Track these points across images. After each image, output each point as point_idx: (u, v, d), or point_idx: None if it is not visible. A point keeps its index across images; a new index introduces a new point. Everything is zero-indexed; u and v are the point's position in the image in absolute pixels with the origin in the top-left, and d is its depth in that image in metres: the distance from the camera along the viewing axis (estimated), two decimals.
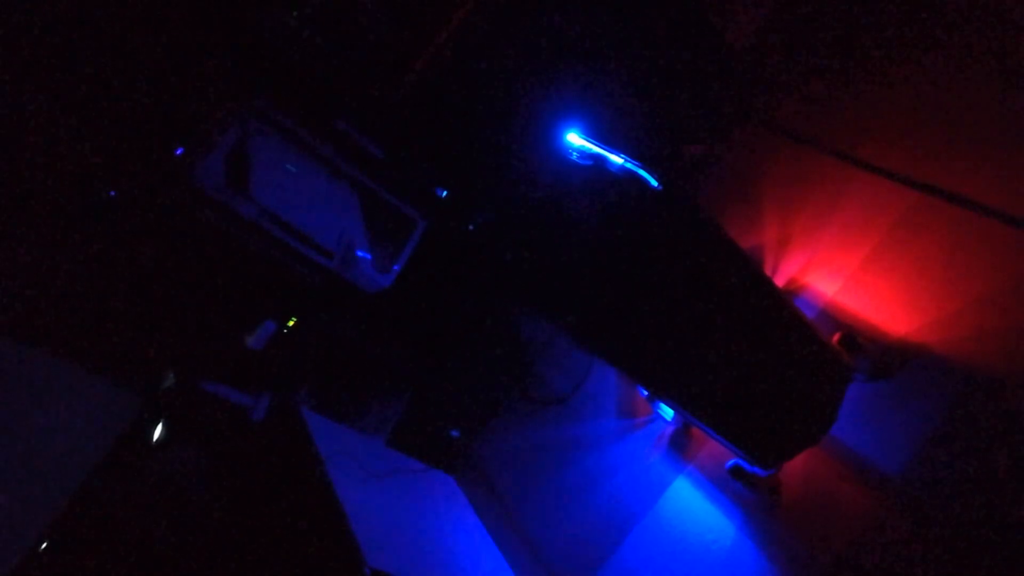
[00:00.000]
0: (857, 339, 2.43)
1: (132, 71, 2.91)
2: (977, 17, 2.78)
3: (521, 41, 2.87)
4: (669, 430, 2.86)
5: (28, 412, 3.06)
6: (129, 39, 2.88)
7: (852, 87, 3.07)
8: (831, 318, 2.58)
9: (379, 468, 2.98)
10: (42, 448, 3.08)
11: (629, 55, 3.21)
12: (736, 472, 2.49)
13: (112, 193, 2.98)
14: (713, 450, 2.67)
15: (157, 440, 3.26)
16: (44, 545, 3.00)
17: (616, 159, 1.71)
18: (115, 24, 2.85)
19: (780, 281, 2.78)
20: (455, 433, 3.54)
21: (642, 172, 1.71)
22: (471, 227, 1.82)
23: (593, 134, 1.71)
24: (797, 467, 2.39)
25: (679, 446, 2.79)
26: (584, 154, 1.71)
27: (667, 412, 2.82)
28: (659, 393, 2.53)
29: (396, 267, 3.37)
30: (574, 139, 1.71)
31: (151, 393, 3.27)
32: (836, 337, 2.46)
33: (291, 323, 3.41)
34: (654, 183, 1.72)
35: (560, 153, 1.72)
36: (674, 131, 3.41)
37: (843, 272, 2.63)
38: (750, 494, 2.47)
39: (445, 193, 2.23)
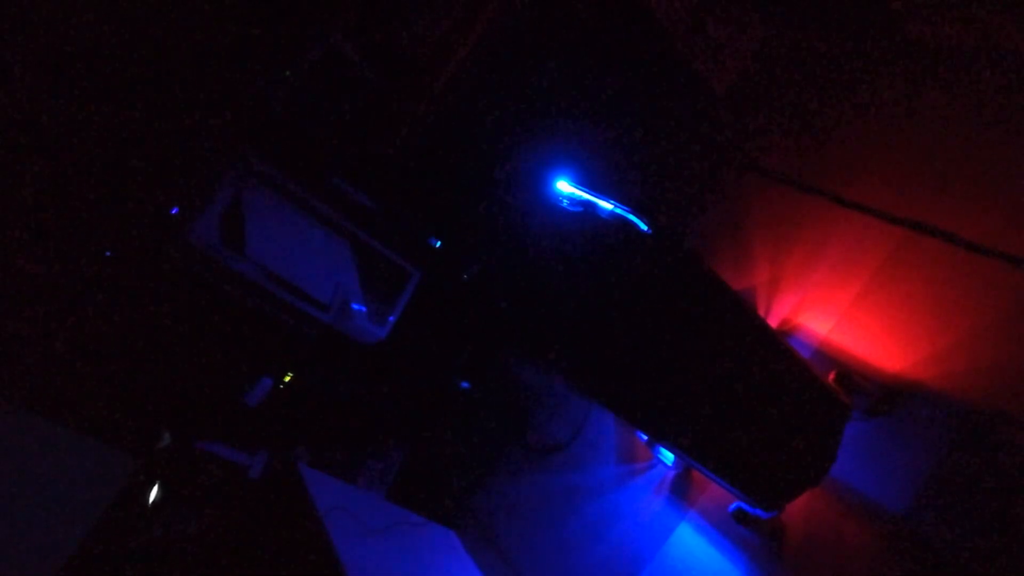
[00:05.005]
0: (852, 377, 2.43)
1: (126, 131, 2.96)
2: (959, 58, 2.85)
3: (510, 93, 2.94)
4: (670, 475, 2.84)
5: (23, 476, 3.03)
6: (123, 99, 2.93)
7: (837, 129, 3.13)
8: (826, 357, 2.59)
9: (379, 523, 2.94)
10: (38, 512, 3.04)
11: (616, 104, 3.28)
12: (739, 516, 2.47)
13: (108, 253, 3.00)
14: (715, 494, 2.65)
15: (153, 501, 3.22)
16: None
17: (606, 205, 1.73)
18: (109, 84, 2.90)
19: (773, 322, 2.80)
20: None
21: (632, 217, 1.73)
22: (465, 276, 1.83)
23: (582, 181, 1.74)
24: (799, 508, 2.37)
25: (681, 491, 2.77)
26: (574, 201, 1.74)
27: (667, 457, 2.80)
28: (658, 437, 2.52)
29: (392, 318, 3.38)
30: (564, 186, 1.74)
31: (147, 454, 3.24)
32: (831, 376, 2.46)
33: (287, 378, 3.40)
34: (644, 227, 1.75)
35: (551, 201, 1.75)
36: (662, 176, 3.46)
37: (835, 311, 2.65)
38: (754, 537, 2.44)
39: (439, 244, 2.26)
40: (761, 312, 2.86)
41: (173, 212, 2.93)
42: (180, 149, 3.02)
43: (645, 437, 2.83)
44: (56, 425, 3.08)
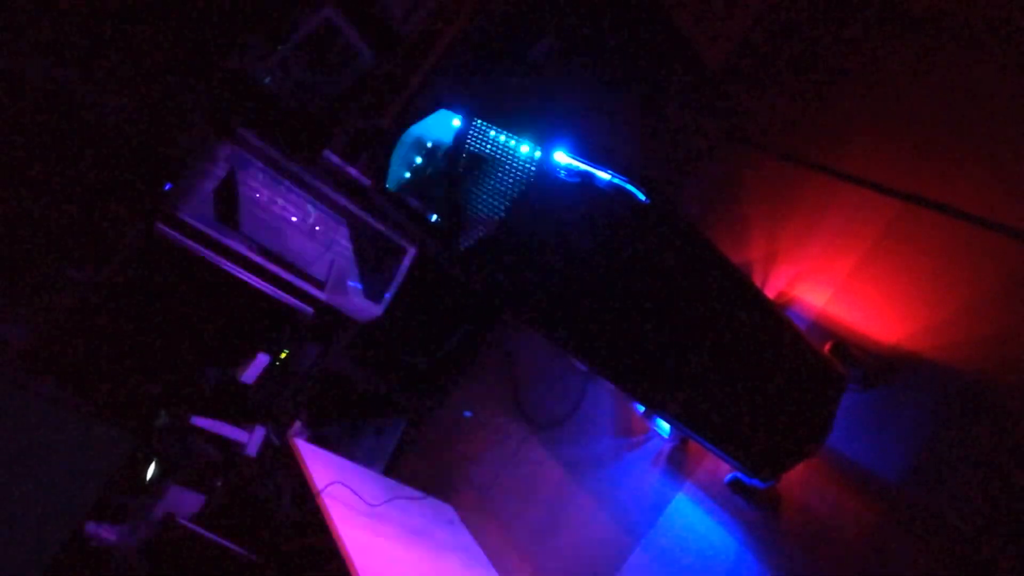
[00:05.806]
0: (849, 348, 2.44)
1: (119, 107, 2.93)
2: (949, 30, 2.84)
3: (504, 64, 2.91)
4: (667, 447, 2.85)
5: (20, 455, 3.03)
6: (116, 74, 2.90)
7: (831, 101, 3.12)
8: (822, 328, 2.59)
9: (377, 497, 2.95)
10: (35, 491, 3.04)
11: (610, 78, 3.26)
12: (735, 486, 2.49)
13: None
14: (712, 465, 2.67)
15: (150, 480, 3.23)
16: None
17: (603, 175, 1.72)
18: (102, 58, 2.87)
19: (770, 293, 2.80)
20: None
21: (630, 187, 1.73)
22: (462, 248, 1.83)
23: (579, 152, 1.73)
24: (796, 479, 2.39)
25: (677, 463, 2.79)
26: (571, 172, 1.73)
27: (664, 429, 2.82)
28: (655, 407, 2.52)
29: (388, 295, 3.37)
30: (561, 157, 1.73)
31: (144, 432, 3.24)
32: (828, 347, 2.47)
33: (283, 355, 3.40)
34: (642, 197, 1.74)
35: (548, 171, 1.74)
36: (656, 150, 3.45)
37: (832, 283, 2.65)
38: (750, 508, 2.46)
39: (435, 218, 2.24)
40: (758, 284, 2.86)
41: (166, 188, 2.91)
42: (173, 125, 3.00)
43: (642, 409, 2.84)
44: (52, 404, 3.07)
